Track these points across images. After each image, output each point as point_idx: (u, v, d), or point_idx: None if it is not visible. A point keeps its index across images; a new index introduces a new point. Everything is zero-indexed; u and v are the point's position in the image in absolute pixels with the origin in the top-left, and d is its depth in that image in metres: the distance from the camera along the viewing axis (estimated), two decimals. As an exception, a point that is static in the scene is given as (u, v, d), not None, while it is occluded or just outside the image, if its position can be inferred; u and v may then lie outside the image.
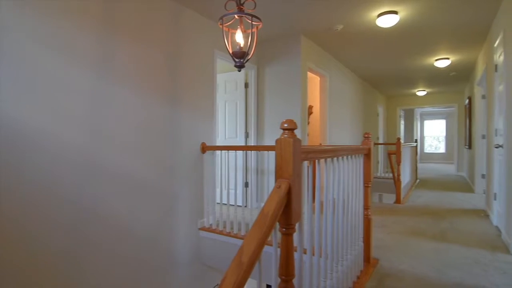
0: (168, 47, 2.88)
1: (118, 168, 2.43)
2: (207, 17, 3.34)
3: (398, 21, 3.41)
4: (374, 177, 7.26)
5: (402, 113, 10.44)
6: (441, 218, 3.72)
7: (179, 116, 2.99)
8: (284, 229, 1.13)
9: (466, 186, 6.47)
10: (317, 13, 3.30)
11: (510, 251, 2.53)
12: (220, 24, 1.81)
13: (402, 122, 10.79)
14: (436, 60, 5.11)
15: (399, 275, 2.19)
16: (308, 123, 5.27)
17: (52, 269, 2.01)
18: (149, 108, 2.68)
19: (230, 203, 3.96)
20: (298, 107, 3.92)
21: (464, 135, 7.71)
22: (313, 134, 5.59)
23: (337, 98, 5.22)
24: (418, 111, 11.95)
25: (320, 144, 4.79)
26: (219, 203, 3.37)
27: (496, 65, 3.33)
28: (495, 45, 3.29)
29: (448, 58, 5.04)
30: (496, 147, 3.27)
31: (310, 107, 5.79)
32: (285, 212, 1.11)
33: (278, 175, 1.13)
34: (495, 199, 3.39)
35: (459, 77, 6.50)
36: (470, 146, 6.52)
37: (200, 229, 3.18)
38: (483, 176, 4.71)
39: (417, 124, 12.28)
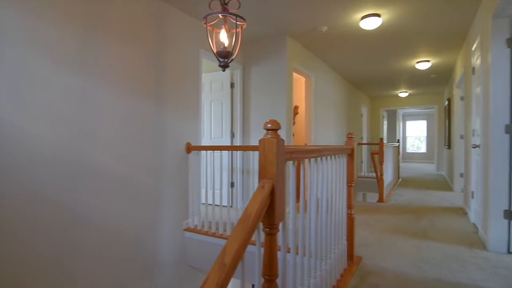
0: (153, 46, 2.83)
1: (102, 169, 2.37)
2: (192, 16, 3.31)
3: (381, 24, 3.48)
4: (358, 177, 7.40)
5: (385, 114, 10.68)
6: (422, 216, 3.83)
7: (164, 116, 2.95)
8: (267, 229, 1.13)
9: (445, 184, 6.68)
10: (302, 14, 3.33)
11: (487, 247, 2.63)
12: (204, 23, 1.80)
13: (385, 122, 11.04)
14: (417, 62, 5.25)
15: (381, 272, 2.23)
16: (294, 123, 5.31)
17: (36, 270, 1.94)
18: (133, 108, 2.63)
19: (216, 204, 3.95)
20: (283, 107, 3.94)
21: (443, 136, 7.96)
22: (299, 134, 5.64)
23: (322, 99, 5.28)
24: (400, 112, 12.26)
25: (306, 144, 4.84)
26: (204, 203, 3.34)
27: (473, 68, 3.46)
28: (473, 48, 3.42)
29: (428, 61, 5.19)
30: (474, 147, 3.39)
31: (296, 108, 5.84)
32: (269, 212, 1.11)
33: (262, 175, 1.13)
34: (472, 197, 3.51)
35: (439, 79, 6.70)
36: (449, 146, 6.74)
37: (185, 230, 3.15)
38: (461, 175, 4.88)
39: (400, 125, 12.59)
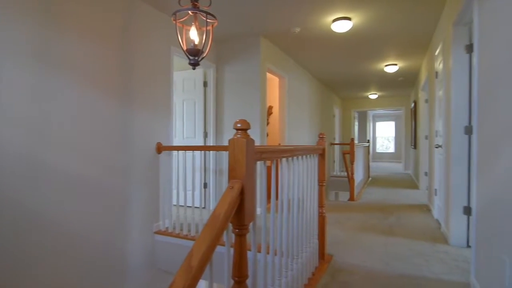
0: (121, 41, 2.72)
1: (64, 170, 2.24)
2: (163, 12, 3.21)
3: (352, 27, 3.58)
4: (331, 176, 7.58)
5: (356, 115, 11.02)
6: (390, 214, 3.98)
7: (133, 115, 2.84)
8: (237, 230, 1.11)
9: (411, 183, 7.01)
10: (275, 15, 3.34)
11: (448, 242, 2.78)
12: (174, 20, 1.74)
13: (356, 123, 11.39)
14: (386, 65, 5.47)
15: (351, 270, 2.29)
16: (268, 123, 5.34)
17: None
18: (99, 106, 2.51)
19: (188, 205, 3.86)
20: (257, 107, 3.94)
21: (410, 136, 8.35)
22: (273, 134, 5.67)
23: (296, 99, 5.35)
24: (370, 113, 12.71)
25: (279, 144, 4.87)
26: (176, 205, 3.26)
27: (436, 72, 3.65)
28: (436, 54, 3.60)
29: (396, 64, 5.41)
30: (436, 147, 3.58)
31: (270, 108, 5.87)
32: (238, 213, 1.10)
33: (231, 175, 1.11)
34: (435, 194, 3.70)
35: (406, 82, 7.02)
36: (415, 146, 7.08)
37: (155, 232, 3.05)
38: (425, 173, 5.13)
39: (370, 125, 13.05)
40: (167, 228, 3.09)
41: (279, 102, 4.90)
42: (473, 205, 2.01)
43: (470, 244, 2.63)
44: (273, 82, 5.47)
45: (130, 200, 2.80)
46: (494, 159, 1.63)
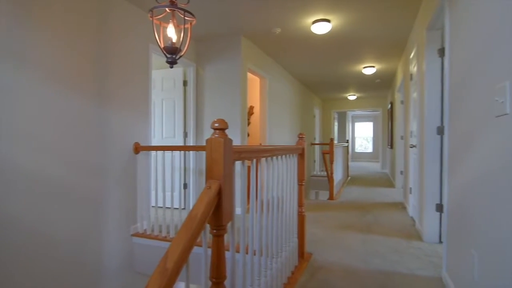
0: (96, 38, 2.62)
1: (35, 171, 2.13)
2: (141, 8, 3.14)
3: (331, 29, 3.64)
4: (311, 176, 7.68)
5: (336, 115, 11.24)
6: (367, 212, 4.08)
7: (109, 114, 2.75)
8: (214, 231, 1.10)
9: (388, 182, 7.22)
10: (256, 15, 3.34)
11: (422, 238, 2.88)
12: (151, 17, 1.70)
13: (336, 123, 11.61)
14: (364, 67, 5.60)
15: (329, 267, 2.32)
16: (249, 123, 5.33)
17: None
18: (72, 105, 2.41)
19: (167, 206, 3.79)
20: (238, 107, 3.93)
21: (387, 136, 8.60)
22: (254, 134, 5.67)
23: (277, 100, 5.37)
24: (349, 114, 13.00)
25: (260, 144, 4.88)
26: (154, 206, 3.19)
27: (411, 75, 3.78)
28: (411, 57, 3.73)
29: (373, 66, 5.56)
30: (411, 147, 3.70)
31: (251, 108, 5.87)
32: (216, 213, 1.08)
33: (209, 175, 1.10)
34: (410, 193, 3.83)
35: (383, 84, 7.23)
36: (392, 146, 7.30)
37: (133, 235, 2.97)
38: (401, 172, 5.30)
39: (349, 126, 13.34)
40: (145, 230, 3.01)
41: (260, 102, 4.91)
42: (445, 202, 2.09)
43: (442, 240, 2.74)
44: (254, 82, 5.47)
45: (105, 202, 2.71)
46: (463, 158, 1.70)
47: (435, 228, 2.79)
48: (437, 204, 2.77)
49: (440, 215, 2.76)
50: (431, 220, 2.80)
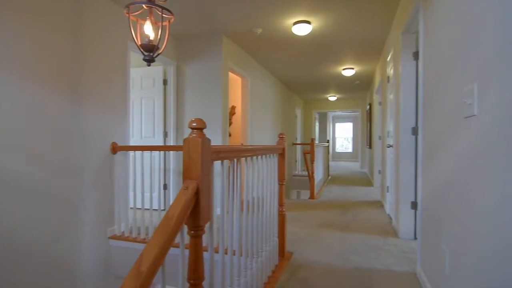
0: (72, 34, 2.53)
1: (6, 170, 2.03)
2: (119, 5, 3.05)
3: (311, 31, 3.69)
4: (293, 175, 7.75)
5: (317, 116, 11.40)
6: (347, 210, 4.17)
7: (86, 113, 2.66)
8: (192, 232, 1.09)
9: (367, 181, 7.40)
10: (237, 15, 3.34)
11: (398, 235, 2.98)
12: (127, 13, 1.66)
13: (317, 124, 11.79)
14: (344, 69, 5.72)
15: (310, 266, 2.35)
16: (231, 123, 5.32)
17: None
18: (47, 104, 2.31)
19: (147, 207, 3.71)
20: (219, 106, 3.90)
21: (366, 136, 8.82)
22: (236, 134, 5.66)
23: (258, 100, 5.38)
24: (330, 114, 13.23)
25: (242, 144, 4.87)
26: (133, 207, 3.11)
27: (388, 77, 3.89)
28: (388, 59, 3.84)
29: (353, 68, 5.68)
30: (388, 147, 3.81)
31: (233, 108, 5.85)
32: (193, 214, 1.07)
33: (186, 175, 1.08)
34: (388, 191, 3.95)
35: (362, 85, 7.41)
36: (370, 146, 7.49)
37: (110, 237, 2.89)
38: (379, 172, 5.45)
39: (330, 126, 13.58)
40: (123, 232, 2.94)
41: (242, 102, 4.90)
42: (419, 200, 2.17)
43: (417, 236, 2.84)
44: (236, 82, 5.46)
45: (81, 203, 2.62)
46: (435, 158, 1.77)
47: (410, 225, 2.89)
48: (412, 202, 2.86)
49: (415, 212, 2.85)
50: (406, 218, 2.89)
